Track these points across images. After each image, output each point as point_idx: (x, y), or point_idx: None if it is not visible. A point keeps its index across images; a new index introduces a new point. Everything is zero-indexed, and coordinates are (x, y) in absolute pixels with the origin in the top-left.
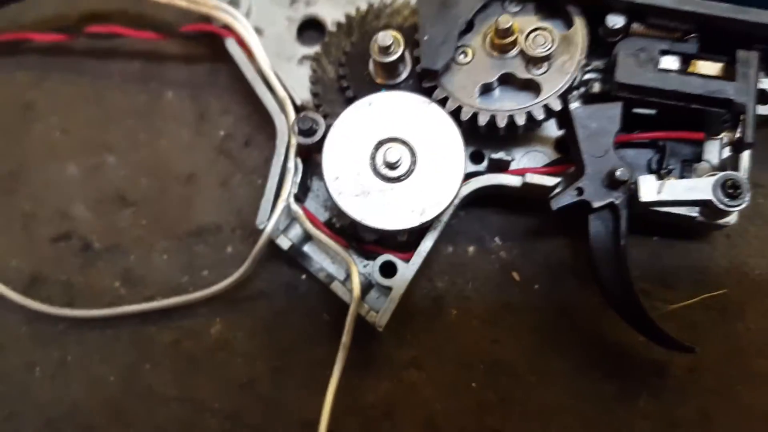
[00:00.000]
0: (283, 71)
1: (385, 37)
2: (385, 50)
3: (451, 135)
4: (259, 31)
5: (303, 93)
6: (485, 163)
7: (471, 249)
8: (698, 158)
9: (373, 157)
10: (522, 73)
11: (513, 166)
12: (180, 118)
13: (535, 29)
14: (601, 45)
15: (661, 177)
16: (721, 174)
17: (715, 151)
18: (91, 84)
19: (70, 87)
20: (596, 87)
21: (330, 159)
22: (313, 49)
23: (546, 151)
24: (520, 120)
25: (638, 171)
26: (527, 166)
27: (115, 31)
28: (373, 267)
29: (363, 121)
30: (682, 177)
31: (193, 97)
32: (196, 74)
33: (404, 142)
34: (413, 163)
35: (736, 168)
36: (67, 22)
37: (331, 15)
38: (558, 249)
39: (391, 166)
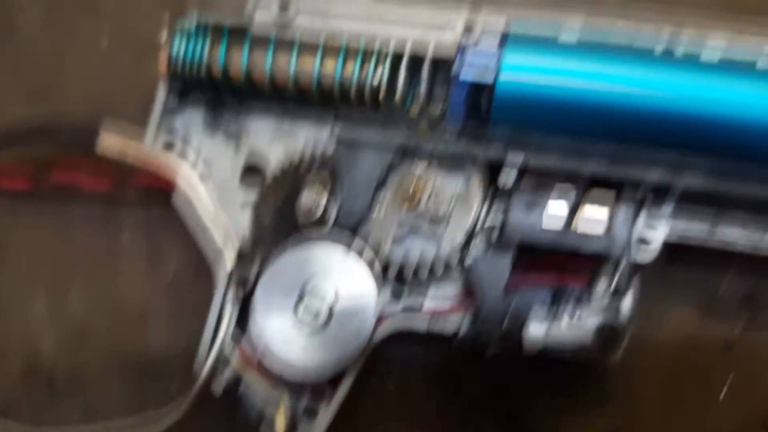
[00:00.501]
0: (228, 216)
1: (307, 197)
2: (308, 210)
3: (366, 285)
4: (204, 177)
5: (245, 233)
6: (401, 304)
7: (391, 383)
8: (589, 297)
9: (296, 307)
10: (426, 228)
11: (428, 300)
12: (135, 258)
13: (436, 189)
14: (497, 195)
15: (552, 317)
16: (599, 320)
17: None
18: (56, 226)
19: (38, 228)
20: (494, 235)
21: (257, 309)
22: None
23: (456, 289)
24: (423, 274)
25: (535, 307)
26: (440, 300)
27: (75, 183)
28: (297, 410)
29: (289, 271)
30: (572, 315)
31: (147, 239)
32: (152, 216)
33: (325, 292)
34: (331, 312)
35: None
36: (32, 170)
37: (271, 163)
38: (475, 383)
39: (312, 316)
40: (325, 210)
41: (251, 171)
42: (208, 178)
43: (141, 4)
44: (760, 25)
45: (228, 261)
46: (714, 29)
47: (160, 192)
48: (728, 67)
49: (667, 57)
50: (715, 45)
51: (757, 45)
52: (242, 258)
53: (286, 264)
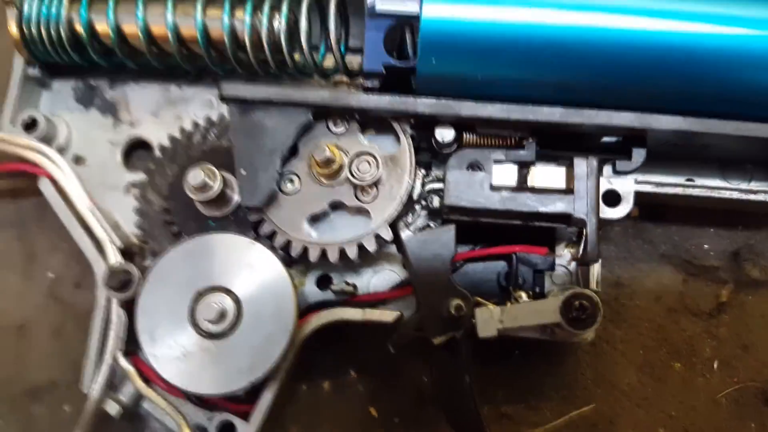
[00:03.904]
0: (109, 202)
1: (196, 175)
2: (200, 189)
3: (278, 278)
4: (80, 159)
5: (131, 226)
6: (329, 293)
7: (326, 385)
8: (551, 266)
9: (192, 311)
10: (351, 201)
11: (362, 289)
12: (7, 261)
13: (360, 153)
14: (438, 155)
15: (509, 294)
16: (567, 293)
17: (569, 255)
18: None
19: None
20: (436, 201)
21: (144, 316)
22: (141, 176)
23: (397, 269)
24: (351, 253)
25: (488, 286)
26: (376, 287)
27: None
28: (210, 426)
29: (180, 270)
30: (533, 289)
31: (20, 236)
32: (23, 211)
33: (227, 291)
34: (238, 313)
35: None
36: None
37: (158, 136)
38: (417, 377)
39: (213, 320)
40: (225, 189)
41: (135, 148)
42: (84, 161)
43: None
44: None
45: (111, 258)
46: None
47: (32, 179)
48: None
49: None
50: None
51: None
52: (128, 254)
53: (175, 260)
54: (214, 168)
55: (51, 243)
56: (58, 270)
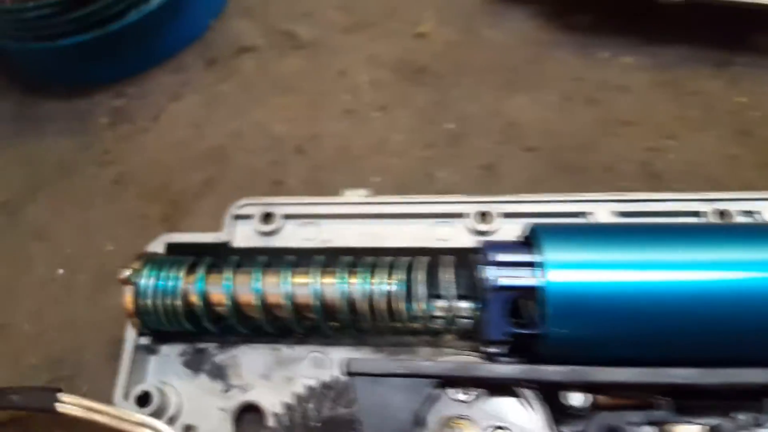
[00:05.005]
0: None
1: None
2: None
3: None
4: (190, 428)
5: None
6: None
7: None
8: None
9: None
10: None
11: None
12: None
13: (497, 427)
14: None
15: None
16: None
17: None
18: None
19: None
20: None
21: None
22: None
23: None
24: None
25: None
26: None
27: None
28: None
29: None
30: None
31: None
32: None
33: None
34: None
35: None
36: None
37: (269, 400)
38: None
39: None
40: None
41: (246, 412)
42: (195, 430)
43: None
44: None
45: None
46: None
47: None
48: None
49: (725, 228)
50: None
51: None
52: None
53: None
54: None
55: None
56: None
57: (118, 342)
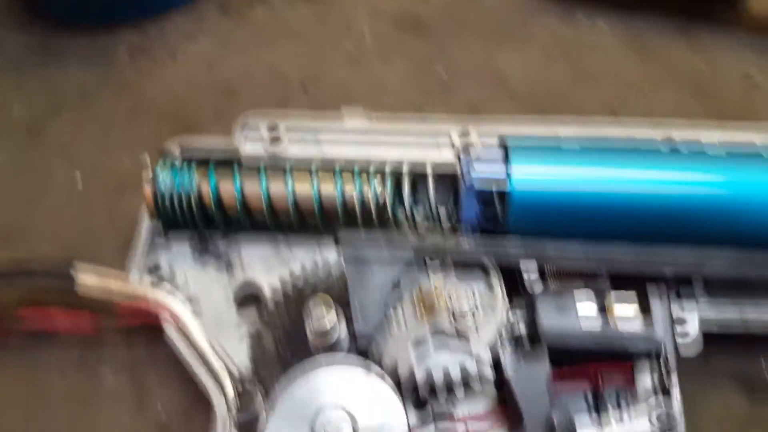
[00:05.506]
0: (223, 343)
1: (320, 322)
2: (323, 336)
3: (391, 404)
4: (195, 301)
5: (244, 364)
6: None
7: None
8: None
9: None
10: (450, 328)
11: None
12: (119, 400)
13: (457, 287)
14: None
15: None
16: (657, 415)
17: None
18: (28, 371)
19: (7, 374)
20: (522, 329)
21: None
22: (252, 317)
23: (487, 392)
24: (455, 372)
25: (577, 413)
26: (468, 411)
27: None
28: None
29: (301, 397)
30: (618, 405)
31: (132, 378)
32: (135, 355)
33: (346, 413)
34: None
35: None
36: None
37: (267, 280)
38: None
39: None
40: (335, 325)
41: (247, 300)
42: (201, 313)
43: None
44: (739, 127)
45: (228, 398)
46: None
47: (143, 330)
48: (736, 158)
49: (675, 154)
50: (711, 141)
51: (748, 140)
52: (242, 396)
53: (297, 394)
54: (330, 306)
55: (162, 383)
56: (169, 406)
57: (131, 243)
